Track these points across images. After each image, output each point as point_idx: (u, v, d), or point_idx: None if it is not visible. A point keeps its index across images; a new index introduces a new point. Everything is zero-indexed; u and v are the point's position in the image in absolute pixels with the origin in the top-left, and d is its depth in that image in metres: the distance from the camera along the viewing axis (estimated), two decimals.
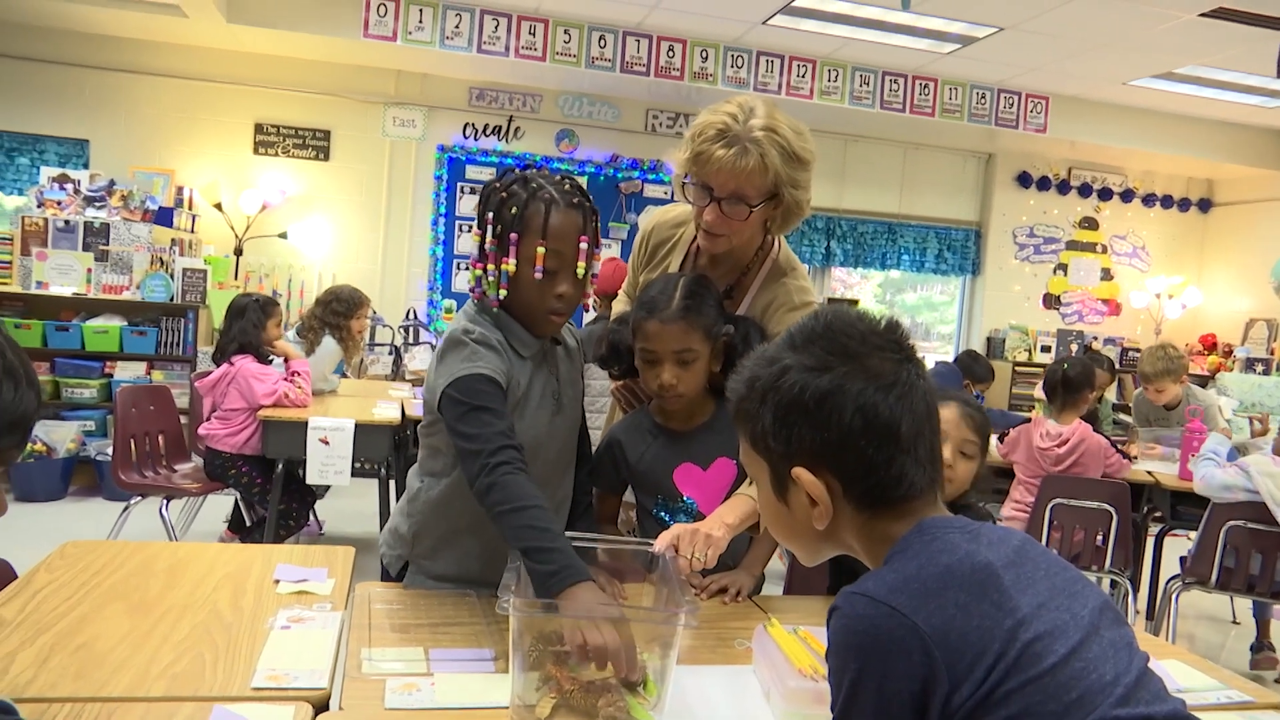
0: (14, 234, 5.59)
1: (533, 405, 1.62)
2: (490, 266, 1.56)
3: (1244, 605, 4.54)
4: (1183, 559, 3.91)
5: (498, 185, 1.58)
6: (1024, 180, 8.35)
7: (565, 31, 6.28)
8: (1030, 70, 6.75)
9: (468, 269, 1.65)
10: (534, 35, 6.23)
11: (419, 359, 6.67)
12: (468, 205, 7.22)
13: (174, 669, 1.27)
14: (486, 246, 1.56)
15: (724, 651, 1.51)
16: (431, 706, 1.22)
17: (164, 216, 5.94)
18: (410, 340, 6.86)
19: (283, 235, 6.74)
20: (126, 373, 5.59)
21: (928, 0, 5.42)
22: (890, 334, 0.97)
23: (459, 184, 7.18)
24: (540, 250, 1.52)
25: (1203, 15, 5.45)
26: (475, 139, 7.15)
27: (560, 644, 1.29)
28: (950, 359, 8.48)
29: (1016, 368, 8.18)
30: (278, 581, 1.65)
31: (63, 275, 5.54)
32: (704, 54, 6.54)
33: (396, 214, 7.07)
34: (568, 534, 1.43)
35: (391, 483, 4.10)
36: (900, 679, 0.82)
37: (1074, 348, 8.34)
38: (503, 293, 1.56)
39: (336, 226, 6.94)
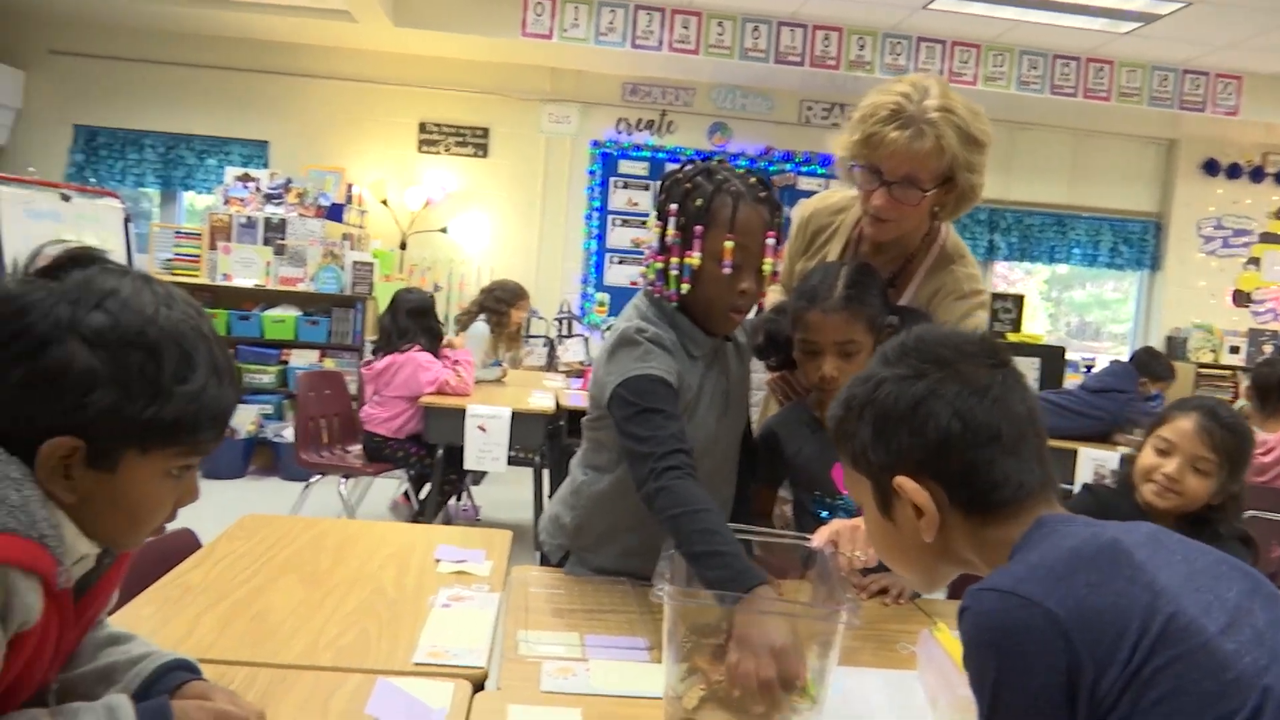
0: (203, 230, 6.01)
1: (703, 407, 1.59)
2: (672, 260, 1.51)
3: None
4: None
5: (680, 176, 1.55)
6: (1211, 168, 7.74)
7: (719, 23, 6.24)
8: (1221, 48, 6.23)
9: (644, 264, 1.60)
10: (687, 28, 6.21)
11: (572, 351, 6.77)
12: (620, 200, 7.29)
13: (340, 641, 1.31)
14: (668, 239, 1.51)
15: (885, 655, 1.45)
16: (587, 692, 1.21)
17: (335, 212, 6.25)
18: (564, 333, 6.97)
19: (444, 230, 6.99)
20: (300, 360, 5.91)
21: None
22: (983, 344, 0.97)
23: (612, 179, 7.25)
24: (728, 244, 1.47)
25: None
26: (628, 134, 7.21)
27: (713, 637, 1.26)
28: (1125, 359, 7.97)
29: (1200, 370, 7.60)
30: (438, 561, 1.69)
31: (245, 268, 5.92)
32: (861, 42, 6.36)
33: (551, 209, 7.21)
34: (736, 527, 1.39)
35: (545, 472, 4.17)
36: (1043, 672, 0.78)
37: (1267, 349, 7.68)
38: (685, 287, 1.51)
39: (494, 222, 7.14)
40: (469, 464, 3.91)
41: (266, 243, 5.97)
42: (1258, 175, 7.81)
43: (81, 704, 0.92)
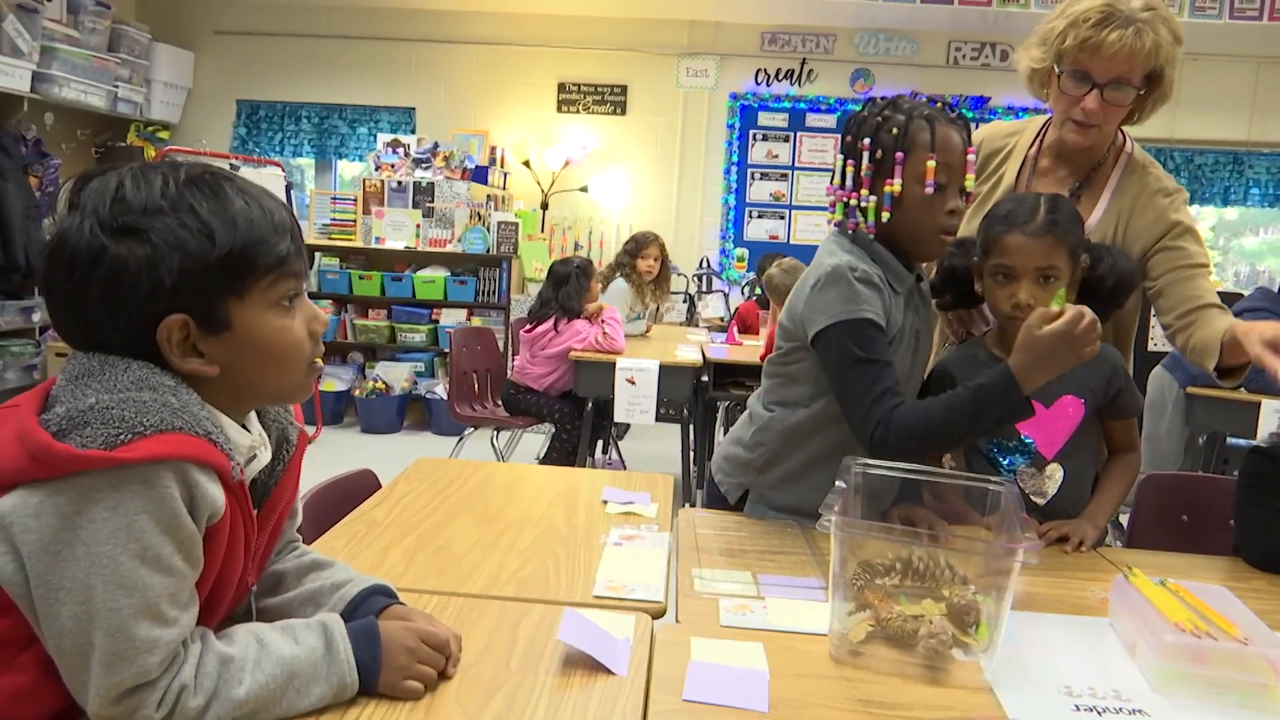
0: (357, 195, 6.25)
1: (902, 346, 1.58)
2: (864, 193, 1.53)
3: None
4: None
5: (866, 115, 1.56)
6: None
7: None
8: None
9: (830, 207, 1.62)
10: None
11: (712, 307, 6.76)
12: (760, 153, 7.17)
13: (521, 574, 1.34)
14: (863, 173, 1.53)
15: (1072, 601, 1.38)
16: (765, 627, 1.21)
17: (480, 175, 6.39)
18: (704, 289, 6.96)
19: (583, 189, 7.05)
20: (450, 319, 6.11)
21: None
22: None
23: (751, 131, 7.14)
24: (930, 164, 1.48)
25: None
26: (767, 85, 7.07)
27: (886, 577, 1.23)
28: None
29: None
30: (605, 503, 1.71)
31: (396, 231, 6.13)
32: None
33: (690, 165, 7.17)
34: (900, 466, 1.39)
35: (691, 426, 4.19)
36: None
37: None
38: (886, 216, 1.52)
39: (633, 179, 7.15)
40: (619, 416, 3.96)
41: (416, 206, 6.17)
42: None
43: (298, 620, 0.97)
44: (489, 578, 1.32)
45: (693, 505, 3.82)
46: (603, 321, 4.27)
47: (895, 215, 1.52)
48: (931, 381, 1.74)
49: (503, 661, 1.05)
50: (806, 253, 6.63)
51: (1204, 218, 8.26)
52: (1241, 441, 4.25)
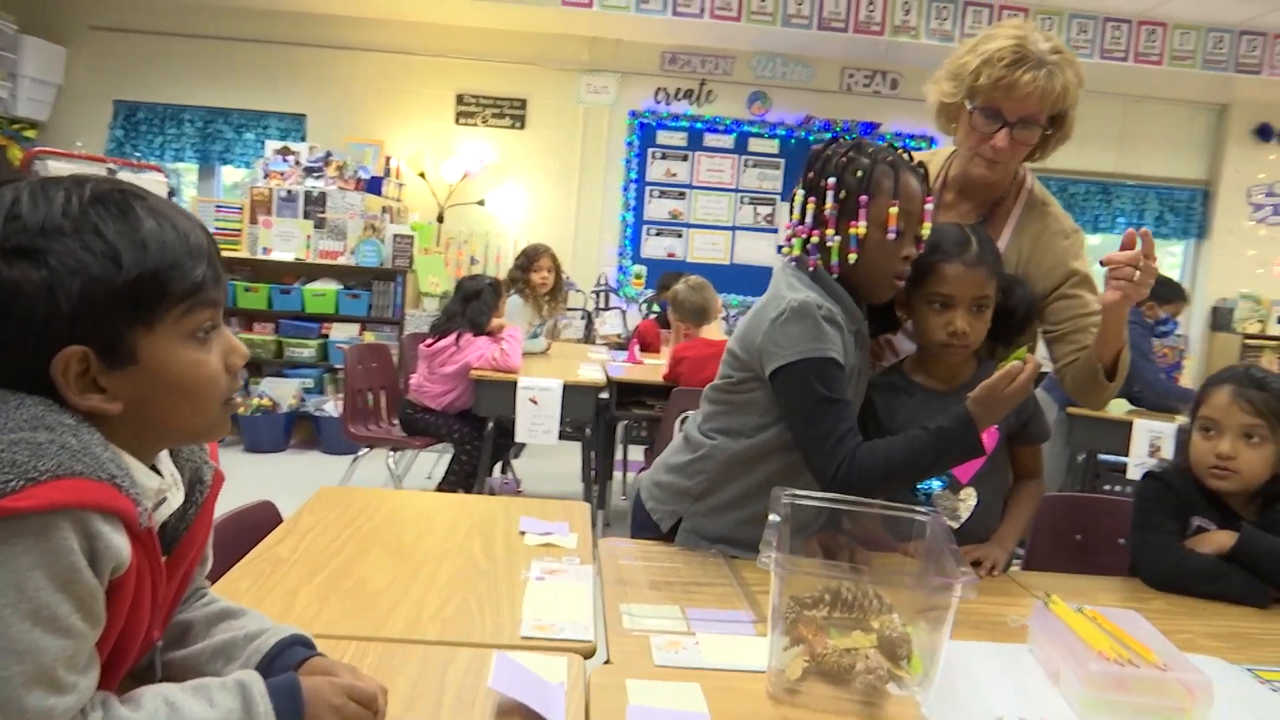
0: (243, 204, 6.00)
1: (851, 385, 1.60)
2: (830, 232, 1.56)
3: None
4: None
5: (830, 153, 1.58)
6: (1264, 133, 7.53)
7: None
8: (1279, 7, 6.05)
9: (787, 241, 1.64)
10: None
11: (609, 324, 6.75)
12: (658, 171, 7.21)
13: (443, 614, 1.28)
14: (826, 212, 1.55)
15: (991, 628, 1.41)
16: (699, 666, 1.18)
17: (374, 185, 6.23)
18: (601, 305, 6.94)
19: (480, 203, 6.95)
20: (341, 333, 5.92)
21: None
22: None
23: (650, 149, 7.17)
24: (893, 211, 1.52)
25: None
26: (667, 104, 7.12)
27: (816, 609, 1.23)
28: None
29: (1246, 340, 7.45)
30: (524, 534, 1.66)
31: (285, 242, 5.91)
32: (906, 6, 6.22)
33: (589, 181, 7.15)
34: (823, 496, 1.42)
35: (593, 446, 4.15)
36: None
37: None
38: (852, 258, 1.55)
39: (531, 194, 7.09)
40: (520, 437, 3.89)
41: (306, 216, 5.96)
42: None
43: (212, 679, 0.89)
44: (409, 619, 1.26)
45: (596, 524, 3.78)
46: (501, 339, 4.20)
47: (856, 255, 1.55)
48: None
49: (431, 713, 1.00)
50: (703, 271, 6.69)
51: None
52: (1113, 458, 4.47)
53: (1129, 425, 4.20)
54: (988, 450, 1.70)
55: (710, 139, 7.21)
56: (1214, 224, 7.67)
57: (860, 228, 1.53)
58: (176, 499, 0.93)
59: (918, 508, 1.41)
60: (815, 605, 1.24)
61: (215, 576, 1.34)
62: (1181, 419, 4.26)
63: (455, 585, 1.39)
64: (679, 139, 7.19)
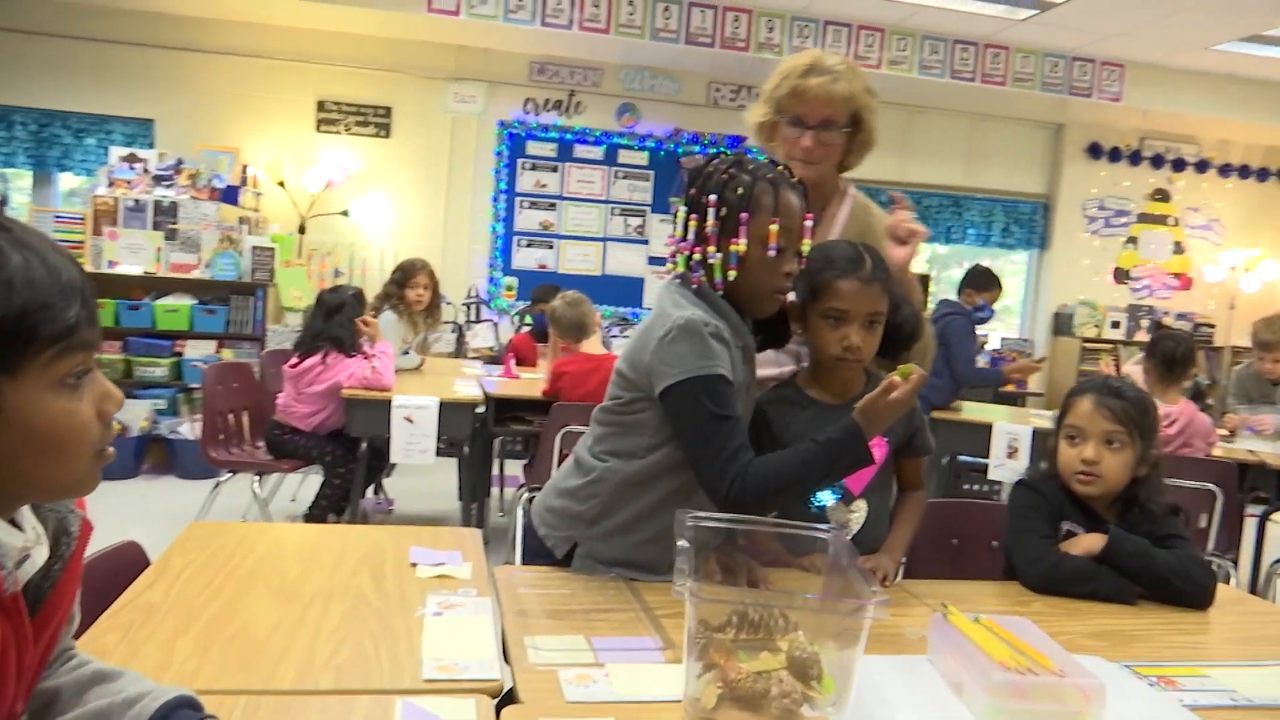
0: (85, 214, 5.62)
1: (740, 401, 1.60)
2: (711, 249, 1.56)
3: None
4: None
5: (711, 169, 1.60)
6: (1094, 151, 8.10)
7: (629, 3, 6.16)
8: (1108, 37, 6.51)
9: (671, 259, 1.67)
10: (598, 7, 6.12)
11: (481, 337, 6.63)
12: (528, 182, 7.16)
13: (337, 660, 1.21)
14: (708, 229, 1.56)
15: (890, 639, 1.43)
16: (611, 699, 1.15)
17: (230, 195, 5.93)
18: (472, 318, 6.82)
19: (344, 213, 6.73)
20: (196, 351, 5.61)
21: None
22: None
23: (519, 160, 7.11)
24: (773, 228, 1.54)
25: None
26: (536, 114, 7.07)
27: (725, 632, 1.22)
28: (1016, 335, 8.31)
29: (1085, 344, 7.98)
30: (415, 565, 1.60)
31: (133, 254, 5.56)
32: (770, 24, 6.39)
33: (457, 191, 7.03)
34: (722, 516, 1.42)
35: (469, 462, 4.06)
36: None
37: (1144, 323, 8.11)
38: (733, 274, 1.56)
39: (397, 204, 6.91)
40: (395, 457, 3.77)
41: (156, 227, 5.62)
42: (1135, 159, 8.21)
43: None
44: (301, 667, 1.18)
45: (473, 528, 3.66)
46: (372, 356, 4.05)
47: (738, 273, 1.56)
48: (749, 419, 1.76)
49: None
50: (575, 281, 6.67)
51: (920, 252, 9.13)
52: (970, 459, 4.70)
53: (988, 428, 4.42)
54: (877, 461, 1.74)
55: (580, 150, 7.21)
56: (1054, 235, 8.18)
57: (741, 245, 1.54)
58: (41, 556, 0.84)
59: (819, 525, 1.43)
60: (723, 628, 1.23)
61: (79, 631, 1.23)
62: (1037, 421, 4.51)
63: (347, 626, 1.32)
64: (549, 150, 7.16)
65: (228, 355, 5.59)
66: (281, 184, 6.51)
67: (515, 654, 1.27)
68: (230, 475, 3.91)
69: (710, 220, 1.56)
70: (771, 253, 1.56)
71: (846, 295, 1.66)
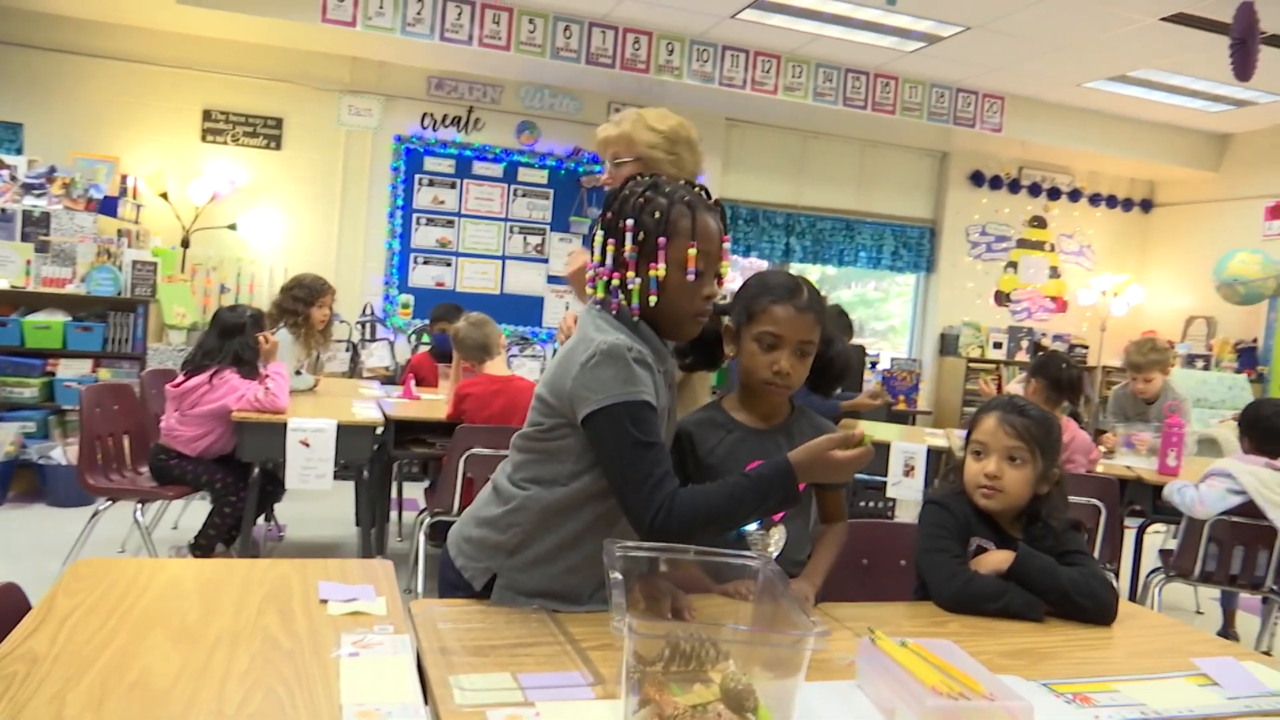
0: None
1: (663, 423, 1.57)
2: (630, 274, 1.54)
3: (1205, 595, 4.65)
4: (1162, 552, 3.97)
5: (629, 193, 1.58)
6: (977, 179, 8.47)
7: (530, 21, 6.14)
8: (989, 70, 6.82)
9: (590, 283, 1.63)
10: (498, 24, 6.08)
11: (376, 356, 6.47)
12: (426, 198, 7.03)
13: (248, 709, 1.13)
14: (626, 254, 1.55)
15: (817, 665, 1.42)
16: None
17: (108, 206, 5.63)
18: (367, 337, 6.65)
19: (232, 227, 6.48)
20: (71, 371, 5.29)
21: None
22: None
23: (417, 176, 6.98)
24: (692, 252, 1.53)
25: (1163, 19, 5.56)
26: (434, 130, 6.97)
27: (656, 664, 1.20)
28: (906, 355, 8.58)
29: (970, 364, 8.30)
30: (325, 601, 1.52)
31: (0, 268, 5.21)
32: (670, 47, 6.46)
33: (352, 206, 6.85)
34: (651, 546, 1.41)
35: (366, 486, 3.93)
36: None
37: (1024, 344, 8.49)
38: (653, 299, 1.54)
39: (288, 218, 6.69)
40: (291, 483, 3.60)
41: (26, 239, 5.29)
42: (1014, 187, 8.62)
43: None
44: (209, 718, 1.10)
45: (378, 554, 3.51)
46: (265, 376, 3.87)
47: (657, 297, 1.55)
48: (671, 444, 1.75)
49: None
50: (474, 300, 6.59)
51: (809, 272, 9.36)
52: (866, 477, 4.80)
53: (886, 447, 4.53)
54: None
55: (479, 167, 7.13)
56: (940, 259, 8.50)
57: (660, 269, 1.53)
58: None
59: (746, 552, 1.42)
60: (655, 661, 1.21)
61: None
62: (931, 440, 4.65)
63: (258, 671, 1.24)
64: (447, 166, 7.06)
65: (105, 375, 5.29)
66: (164, 195, 6.22)
67: (439, 694, 1.21)
68: (109, 503, 3.69)
69: (628, 245, 1.54)
70: (690, 276, 1.54)
71: (781, 321, 1.67)
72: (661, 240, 1.52)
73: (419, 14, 5.88)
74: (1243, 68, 4.83)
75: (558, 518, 1.57)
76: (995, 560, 1.81)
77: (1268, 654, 2.69)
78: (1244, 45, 4.78)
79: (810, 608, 1.63)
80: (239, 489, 3.77)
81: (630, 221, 1.54)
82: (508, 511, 1.59)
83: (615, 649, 1.34)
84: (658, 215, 1.53)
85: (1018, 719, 1.17)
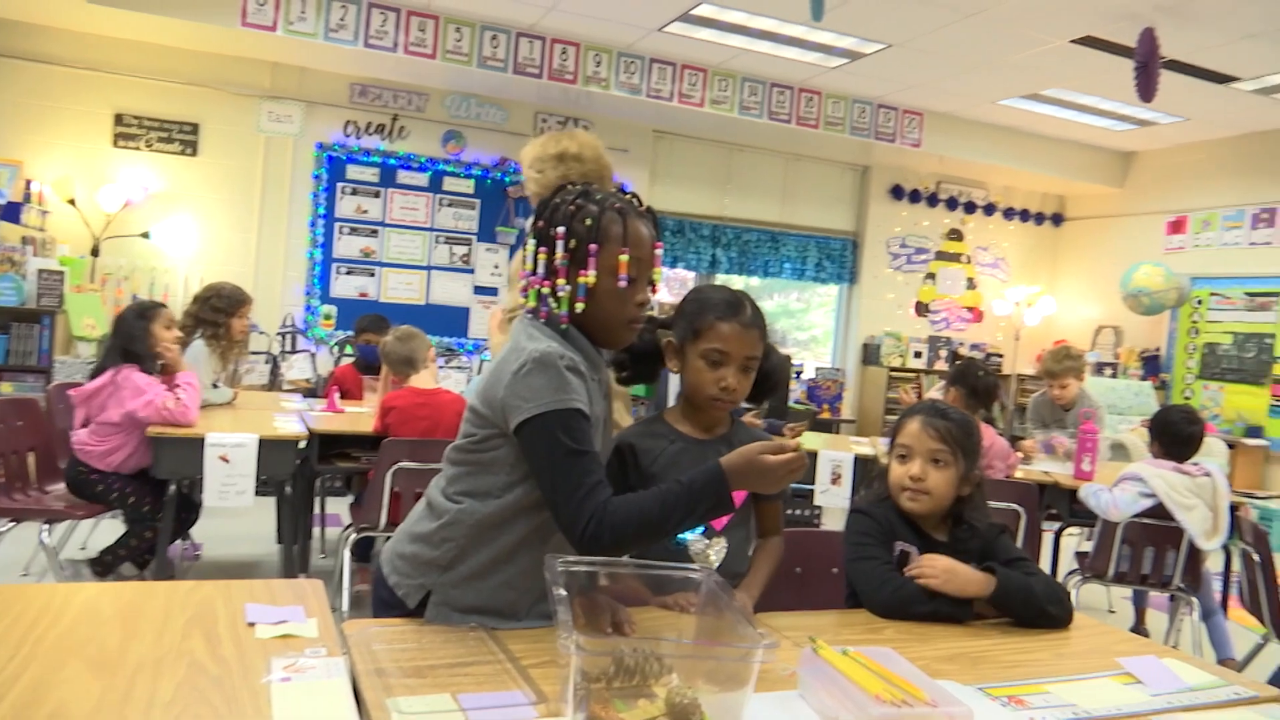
0: None
1: (597, 434, 1.55)
2: (561, 282, 1.52)
3: (1117, 594, 4.83)
4: (1078, 554, 4.10)
5: (559, 201, 1.57)
6: (897, 193, 8.67)
7: (457, 29, 6.09)
8: (909, 87, 6.99)
9: (523, 293, 1.59)
10: (424, 31, 6.01)
11: (297, 368, 6.32)
12: (349, 207, 6.91)
13: None
14: (558, 262, 1.53)
15: (759, 677, 1.42)
16: None
17: (11, 212, 5.40)
18: (288, 348, 6.48)
19: (145, 235, 6.27)
20: None
21: (827, 14, 5.52)
22: None
23: (339, 184, 6.85)
24: (623, 258, 1.52)
25: (1073, 41, 5.77)
26: (357, 137, 6.85)
27: (601, 680, 1.19)
28: (830, 365, 8.72)
29: (891, 373, 8.47)
30: (253, 624, 1.46)
31: None
32: (597, 58, 6.47)
33: (271, 215, 6.68)
34: (592, 561, 1.41)
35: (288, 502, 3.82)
36: None
37: (943, 353, 8.71)
38: (580, 306, 1.53)
39: (205, 227, 6.50)
40: (210, 501, 3.47)
41: None
42: (933, 200, 8.85)
43: None
44: None
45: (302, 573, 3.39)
46: (176, 387, 3.70)
47: (588, 305, 1.54)
48: (612, 455, 1.74)
49: None
50: (398, 310, 6.48)
51: (734, 283, 9.46)
52: (794, 485, 4.86)
53: (814, 455, 4.58)
54: (736, 503, 1.75)
55: (404, 176, 7.03)
56: (862, 270, 8.68)
57: (590, 276, 1.52)
58: None
59: (691, 565, 1.42)
60: (600, 677, 1.20)
61: None
62: (857, 449, 4.72)
63: (183, 700, 1.18)
64: (370, 174, 6.94)
65: (8, 389, 5.05)
66: (72, 202, 5.98)
67: (377, 718, 1.18)
68: (12, 524, 3.51)
69: (559, 253, 1.53)
70: (622, 283, 1.53)
71: (728, 338, 1.68)
72: (593, 247, 1.51)
73: (342, 20, 5.78)
74: (1145, 89, 5.05)
75: (492, 531, 1.54)
76: (975, 588, 1.77)
77: (1175, 648, 2.80)
78: (1146, 68, 5.01)
79: (753, 618, 1.64)
80: (154, 505, 3.62)
81: (562, 229, 1.53)
82: (441, 526, 1.55)
83: (557, 666, 1.32)
84: (589, 222, 1.52)
85: None
